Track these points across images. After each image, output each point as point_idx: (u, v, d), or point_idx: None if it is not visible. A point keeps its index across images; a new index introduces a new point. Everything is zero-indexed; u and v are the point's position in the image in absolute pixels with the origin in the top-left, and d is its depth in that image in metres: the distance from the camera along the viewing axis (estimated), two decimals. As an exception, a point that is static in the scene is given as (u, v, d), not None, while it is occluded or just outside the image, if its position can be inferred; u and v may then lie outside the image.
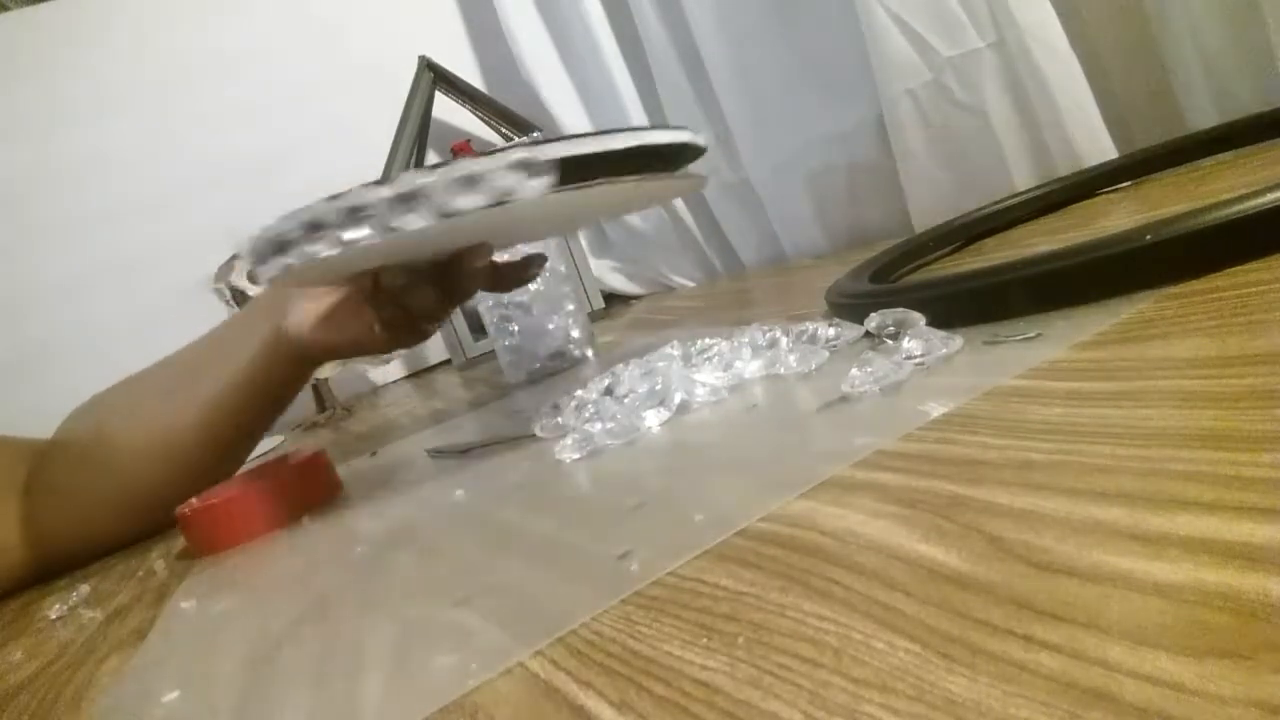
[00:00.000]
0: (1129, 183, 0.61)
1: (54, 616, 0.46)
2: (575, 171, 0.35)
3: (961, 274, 0.37)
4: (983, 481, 0.21)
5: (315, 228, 0.35)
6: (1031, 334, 0.31)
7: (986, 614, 0.15)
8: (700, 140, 0.43)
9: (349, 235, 0.35)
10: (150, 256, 1.21)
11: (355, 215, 0.34)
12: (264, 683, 0.25)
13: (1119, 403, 0.22)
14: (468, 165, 0.34)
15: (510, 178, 0.34)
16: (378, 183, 0.34)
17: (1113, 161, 0.63)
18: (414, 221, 0.34)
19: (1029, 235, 0.56)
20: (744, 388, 0.39)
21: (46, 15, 1.19)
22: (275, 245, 0.36)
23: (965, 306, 0.36)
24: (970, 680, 0.13)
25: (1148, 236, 0.31)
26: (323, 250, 0.35)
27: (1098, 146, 0.65)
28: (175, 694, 0.27)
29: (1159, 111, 0.68)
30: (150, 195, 1.22)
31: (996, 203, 0.61)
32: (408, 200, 0.34)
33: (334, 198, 0.35)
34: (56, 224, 1.18)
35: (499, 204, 0.34)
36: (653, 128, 0.39)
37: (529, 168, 0.34)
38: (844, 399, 0.31)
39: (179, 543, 0.52)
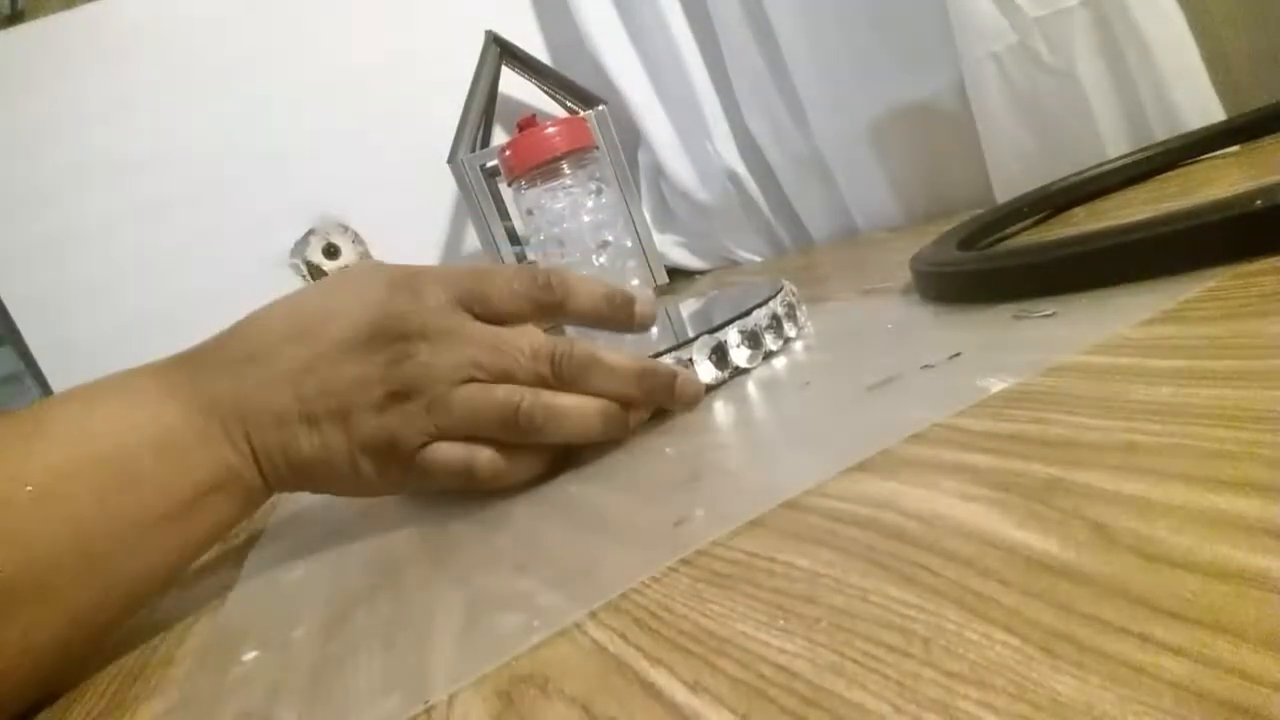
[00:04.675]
0: (1234, 148, 0.56)
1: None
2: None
3: (1053, 241, 0.35)
4: (1082, 464, 0.19)
5: None
6: (1107, 307, 0.29)
7: (1095, 608, 0.14)
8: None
9: None
10: (228, 236, 1.25)
11: None
12: (338, 641, 0.26)
13: (1180, 381, 0.21)
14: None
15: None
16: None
17: (1214, 126, 0.58)
18: None
19: (1124, 204, 0.53)
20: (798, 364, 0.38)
21: (114, 2, 1.23)
22: None
23: (1063, 274, 0.34)
24: (1079, 680, 0.12)
25: (1258, 202, 0.29)
26: None
27: (1205, 113, 0.60)
28: (254, 653, 0.28)
29: (1274, 75, 0.62)
30: (227, 176, 1.25)
31: (1090, 169, 0.57)
32: None
33: None
34: (135, 206, 1.21)
35: None
36: None
37: None
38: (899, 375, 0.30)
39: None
